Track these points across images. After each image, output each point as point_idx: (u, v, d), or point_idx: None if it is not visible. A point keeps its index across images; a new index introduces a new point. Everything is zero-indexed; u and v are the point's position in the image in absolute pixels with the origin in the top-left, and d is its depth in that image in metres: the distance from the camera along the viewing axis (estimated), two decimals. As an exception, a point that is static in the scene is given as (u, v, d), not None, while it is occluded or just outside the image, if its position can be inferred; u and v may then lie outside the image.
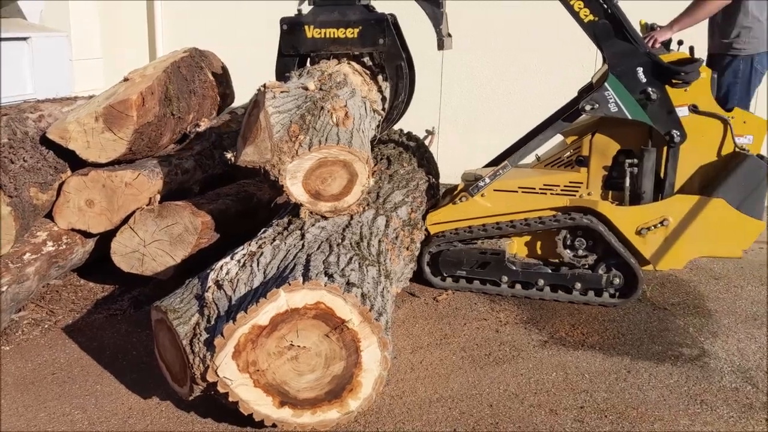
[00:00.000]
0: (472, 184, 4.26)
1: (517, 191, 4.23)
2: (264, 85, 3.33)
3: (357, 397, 2.61)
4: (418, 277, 4.33)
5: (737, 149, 3.94)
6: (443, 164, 6.84)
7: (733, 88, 4.58)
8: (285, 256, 2.96)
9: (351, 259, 2.94)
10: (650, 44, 4.21)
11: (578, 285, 4.12)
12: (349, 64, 4.12)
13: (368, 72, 4.22)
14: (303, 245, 3.05)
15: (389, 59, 4.12)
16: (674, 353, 3.58)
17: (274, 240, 3.13)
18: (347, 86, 3.82)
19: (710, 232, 3.94)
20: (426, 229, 4.28)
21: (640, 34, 4.19)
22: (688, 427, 2.93)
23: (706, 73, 3.92)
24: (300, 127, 3.24)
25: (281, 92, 3.35)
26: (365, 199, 3.67)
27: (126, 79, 4.29)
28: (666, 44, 4.41)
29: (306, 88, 3.51)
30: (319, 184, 3.28)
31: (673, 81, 3.87)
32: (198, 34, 7.04)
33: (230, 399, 2.54)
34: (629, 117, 3.94)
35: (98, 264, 4.34)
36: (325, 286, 2.52)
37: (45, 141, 4.01)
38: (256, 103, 3.22)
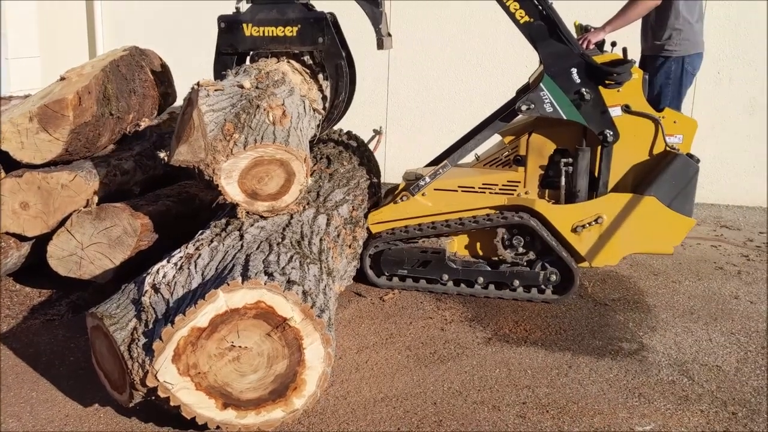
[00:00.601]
0: (413, 183, 4.29)
1: (457, 190, 4.28)
2: (197, 83, 3.28)
3: (301, 396, 2.59)
4: (364, 277, 4.34)
5: (668, 148, 4.06)
6: (390, 164, 6.89)
7: (665, 89, 4.71)
8: (223, 257, 2.92)
9: (291, 257, 2.93)
10: (583, 45, 4.30)
11: (516, 282, 4.18)
12: (288, 62, 4.10)
13: (308, 71, 4.20)
14: (242, 246, 3.02)
15: (329, 58, 4.11)
16: (614, 348, 3.66)
17: (211, 241, 3.09)
18: (285, 85, 3.79)
19: (643, 229, 4.05)
20: (368, 228, 4.29)
21: (575, 36, 4.27)
22: (627, 420, 3.00)
23: (638, 74, 4.03)
24: (234, 125, 3.20)
25: (215, 90, 3.30)
26: (304, 198, 3.65)
27: (62, 78, 4.18)
28: (600, 45, 4.52)
29: (241, 86, 3.47)
30: (255, 184, 3.24)
31: (606, 82, 3.97)
32: (139, 33, 6.92)
33: (172, 403, 2.50)
34: (564, 117, 4.02)
35: (35, 268, 4.22)
36: (265, 284, 2.50)
37: (-24, 142, 3.89)
38: (190, 101, 3.18)
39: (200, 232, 3.32)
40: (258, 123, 3.28)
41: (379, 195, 4.78)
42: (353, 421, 2.95)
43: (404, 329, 3.83)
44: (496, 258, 4.29)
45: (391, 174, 6.61)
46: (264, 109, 3.35)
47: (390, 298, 4.22)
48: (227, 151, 3.14)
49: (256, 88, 3.52)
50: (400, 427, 2.91)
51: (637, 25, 4.82)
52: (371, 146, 5.50)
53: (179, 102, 5.55)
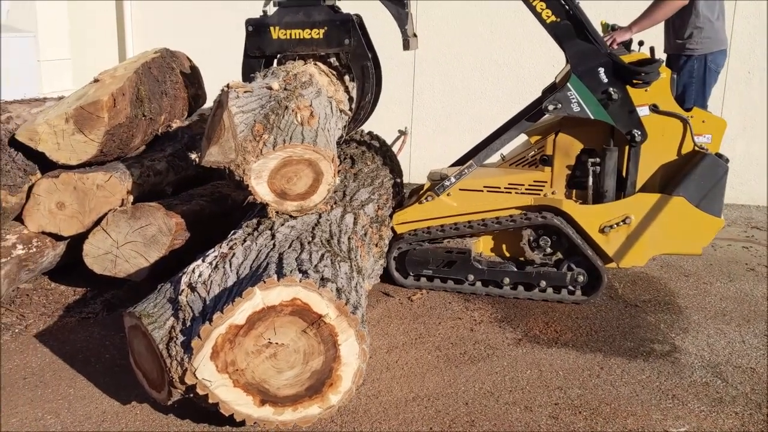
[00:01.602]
0: (437, 183, 4.29)
1: (482, 190, 4.27)
2: (227, 85, 3.32)
3: (337, 392, 2.61)
4: (392, 278, 4.35)
5: (696, 148, 4.02)
6: (415, 164, 6.89)
7: (689, 88, 4.68)
8: (257, 256, 2.95)
9: (323, 255, 2.95)
10: (609, 44, 4.27)
11: (543, 283, 4.17)
12: (315, 64, 4.12)
13: (335, 72, 4.23)
14: (274, 245, 3.05)
15: (355, 60, 4.12)
16: (646, 349, 3.64)
17: (244, 241, 3.13)
18: (312, 86, 3.82)
19: (671, 230, 4.02)
20: (392, 229, 4.30)
21: (602, 35, 4.26)
22: (660, 422, 2.99)
23: (666, 74, 4.00)
24: (264, 126, 3.23)
25: (245, 92, 3.34)
26: (331, 198, 3.67)
27: (96, 80, 4.24)
28: (627, 45, 4.50)
29: (270, 88, 3.51)
30: (284, 184, 3.27)
31: (634, 81, 3.94)
32: (168, 35, 6.99)
33: (210, 400, 2.53)
34: (591, 117, 4.00)
35: (69, 267, 4.29)
36: (300, 282, 2.52)
37: (14, 143, 3.96)
38: (220, 103, 3.23)
39: (233, 231, 3.36)
40: (287, 124, 3.31)
41: (402, 195, 4.79)
42: (385, 420, 2.97)
43: (433, 329, 3.84)
44: (524, 259, 4.29)
45: (416, 175, 6.62)
46: (292, 110, 3.38)
47: (418, 298, 4.22)
48: (257, 151, 3.17)
49: (284, 89, 3.55)
50: (432, 427, 2.92)
51: (663, 25, 4.80)
52: (396, 147, 5.51)
53: (209, 104, 5.62)
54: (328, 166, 3.28)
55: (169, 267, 3.92)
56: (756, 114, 6.48)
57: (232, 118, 3.15)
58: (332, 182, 3.32)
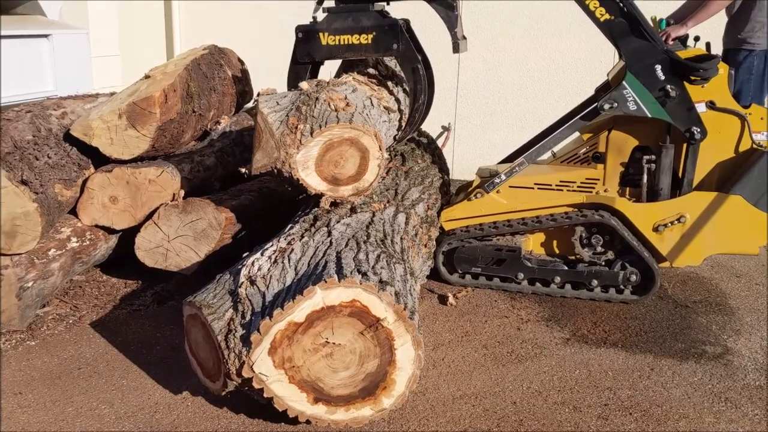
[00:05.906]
0: (487, 180, 4.26)
1: (533, 188, 4.23)
2: (258, 94, 3.36)
3: (390, 395, 2.62)
4: (436, 274, 4.34)
5: (755, 146, 3.94)
6: (459, 161, 6.86)
7: (746, 84, 4.58)
8: (314, 252, 2.97)
9: (379, 256, 2.96)
10: (664, 40, 4.20)
11: (595, 282, 4.13)
12: (354, 78, 4.11)
13: (374, 81, 4.21)
14: (331, 242, 3.06)
15: (405, 63, 4.10)
16: (697, 351, 3.59)
17: (302, 237, 3.14)
18: (347, 85, 3.80)
19: (727, 229, 3.95)
20: (440, 226, 4.28)
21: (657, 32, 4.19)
22: (713, 425, 2.94)
23: (723, 70, 3.92)
24: (298, 117, 3.24)
25: (273, 92, 3.37)
26: (384, 196, 3.66)
27: (147, 76, 4.31)
28: (683, 40, 4.41)
29: (300, 89, 3.52)
30: (333, 169, 3.27)
31: (692, 78, 3.87)
32: (215, 32, 7.06)
33: (265, 395, 2.56)
34: (649, 115, 3.94)
35: (119, 260, 4.37)
36: (361, 284, 2.53)
37: (68, 138, 4.04)
38: (257, 112, 3.29)
39: (289, 226, 3.38)
40: (320, 112, 3.31)
41: (450, 194, 4.76)
42: (433, 417, 2.97)
43: (479, 327, 3.82)
44: (573, 257, 4.25)
45: (459, 171, 6.59)
46: (324, 100, 3.36)
47: (463, 296, 4.21)
48: (296, 142, 3.19)
49: (316, 86, 3.55)
50: (480, 426, 2.91)
51: (719, 21, 4.70)
52: (439, 143, 5.49)
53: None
54: (371, 141, 3.26)
55: (217, 260, 3.98)
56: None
57: (266, 118, 3.21)
58: (380, 156, 3.30)
